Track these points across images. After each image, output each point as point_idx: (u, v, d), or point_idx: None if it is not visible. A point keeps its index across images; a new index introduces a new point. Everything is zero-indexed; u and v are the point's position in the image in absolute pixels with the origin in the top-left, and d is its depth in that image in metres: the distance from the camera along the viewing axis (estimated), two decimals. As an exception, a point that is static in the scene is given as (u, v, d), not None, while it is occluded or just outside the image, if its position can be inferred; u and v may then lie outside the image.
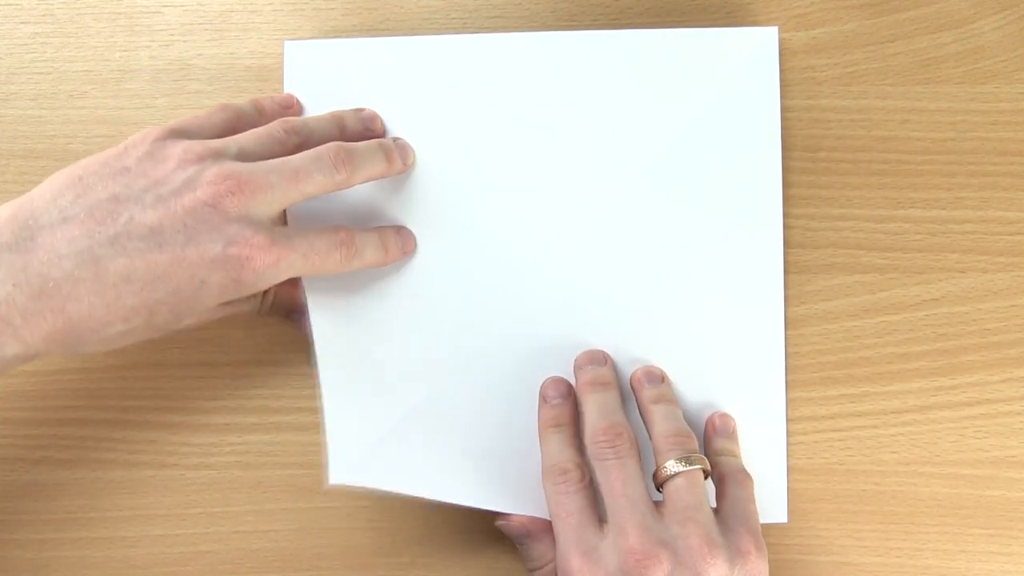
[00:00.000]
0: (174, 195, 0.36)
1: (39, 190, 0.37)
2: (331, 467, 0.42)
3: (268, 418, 0.46)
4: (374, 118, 0.44)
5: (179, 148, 0.38)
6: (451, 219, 0.44)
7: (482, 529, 0.45)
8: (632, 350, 0.44)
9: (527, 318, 0.44)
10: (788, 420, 0.45)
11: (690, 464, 0.39)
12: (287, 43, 0.45)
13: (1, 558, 0.45)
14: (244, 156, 0.39)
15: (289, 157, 0.39)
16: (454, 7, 0.47)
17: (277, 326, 0.46)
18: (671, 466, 0.39)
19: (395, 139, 0.44)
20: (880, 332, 0.45)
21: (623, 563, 0.36)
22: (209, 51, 0.46)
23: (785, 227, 0.45)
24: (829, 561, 0.45)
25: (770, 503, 0.44)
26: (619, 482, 0.38)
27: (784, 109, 0.45)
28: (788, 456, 0.45)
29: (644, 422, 0.42)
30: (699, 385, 0.44)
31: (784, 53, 0.46)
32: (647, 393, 0.42)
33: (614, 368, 0.43)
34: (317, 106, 0.44)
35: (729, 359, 0.44)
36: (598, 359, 0.43)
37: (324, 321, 0.43)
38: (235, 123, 0.41)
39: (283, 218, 0.43)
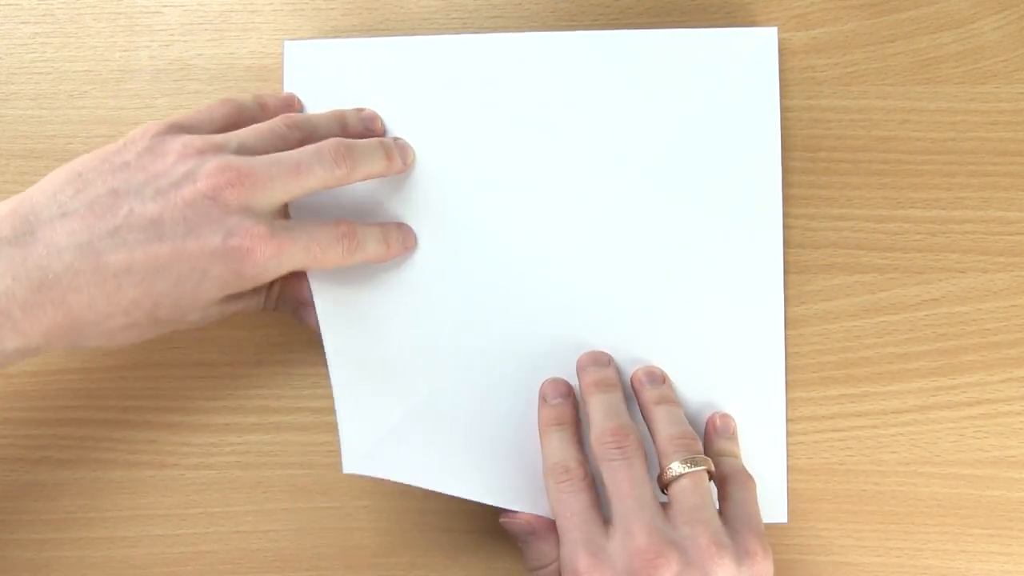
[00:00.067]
0: (174, 188, 0.36)
1: (39, 186, 0.37)
2: (344, 456, 0.42)
3: (268, 418, 0.46)
4: (374, 118, 0.44)
5: (179, 142, 0.38)
6: (452, 219, 0.44)
7: (482, 529, 0.45)
8: (632, 349, 0.44)
9: (527, 317, 0.44)
10: (788, 420, 0.45)
11: (695, 465, 0.39)
12: (287, 43, 0.45)
13: (1, 558, 0.45)
14: (245, 151, 0.39)
15: (290, 151, 0.39)
16: (454, 7, 0.47)
17: (277, 327, 0.46)
18: (676, 467, 0.39)
19: (395, 139, 0.44)
20: (880, 332, 0.45)
21: (631, 563, 0.36)
22: (209, 51, 0.46)
23: (785, 227, 0.45)
24: (829, 561, 0.45)
25: (770, 503, 0.44)
26: (626, 483, 0.38)
27: (784, 109, 0.45)
28: (788, 456, 0.45)
29: (647, 423, 0.42)
30: (699, 385, 0.44)
31: (784, 53, 0.46)
32: (649, 394, 0.42)
33: (617, 369, 0.43)
34: (317, 106, 0.44)
35: (729, 359, 0.44)
36: (601, 360, 0.43)
37: (331, 315, 0.42)
38: (236, 118, 0.41)
39: (285, 213, 0.43)
